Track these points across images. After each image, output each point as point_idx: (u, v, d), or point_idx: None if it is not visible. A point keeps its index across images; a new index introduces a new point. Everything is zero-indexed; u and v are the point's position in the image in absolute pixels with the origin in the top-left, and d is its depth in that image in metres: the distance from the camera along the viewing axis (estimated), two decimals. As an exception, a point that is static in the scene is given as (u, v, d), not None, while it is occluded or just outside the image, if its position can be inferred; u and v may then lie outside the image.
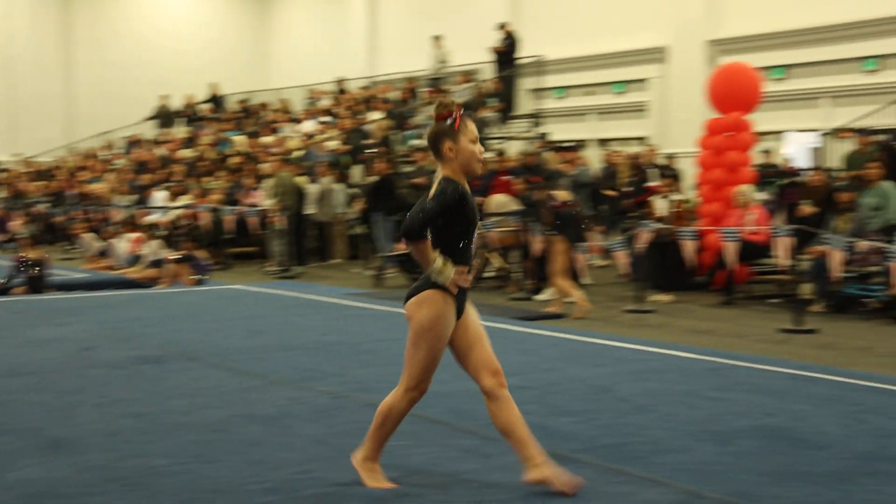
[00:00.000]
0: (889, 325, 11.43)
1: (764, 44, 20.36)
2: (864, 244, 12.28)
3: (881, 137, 15.14)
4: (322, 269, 18.26)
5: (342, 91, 26.70)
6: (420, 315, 4.74)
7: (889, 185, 13.05)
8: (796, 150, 19.71)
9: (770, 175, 16.65)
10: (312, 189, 18.90)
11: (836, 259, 11.73)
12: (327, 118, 24.51)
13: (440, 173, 4.81)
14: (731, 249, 12.98)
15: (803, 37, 20.00)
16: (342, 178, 19.92)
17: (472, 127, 4.84)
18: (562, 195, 12.67)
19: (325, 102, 26.26)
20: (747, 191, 14.19)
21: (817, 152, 17.94)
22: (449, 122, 4.80)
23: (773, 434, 6.01)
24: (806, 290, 12.54)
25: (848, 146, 15.69)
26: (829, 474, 5.15)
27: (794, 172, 16.72)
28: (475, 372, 4.89)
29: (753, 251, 13.42)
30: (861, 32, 19.19)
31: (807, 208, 13.42)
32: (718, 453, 5.60)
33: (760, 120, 16.19)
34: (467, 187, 4.76)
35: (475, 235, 4.83)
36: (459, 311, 4.83)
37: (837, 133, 17.27)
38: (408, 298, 4.84)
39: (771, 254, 12.94)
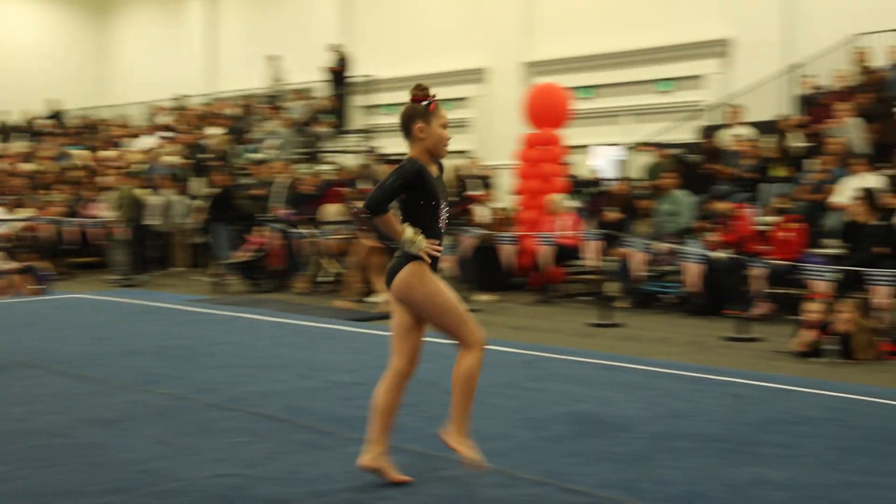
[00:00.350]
0: (683, 317, 11.89)
1: (573, 66, 20.94)
2: (661, 246, 12.76)
3: (675, 151, 15.76)
4: (164, 278, 17.79)
5: (182, 107, 26.17)
6: (417, 291, 4.71)
7: (682, 194, 13.60)
8: (602, 162, 20.26)
9: (580, 184, 17.10)
10: (154, 201, 18.45)
11: (637, 260, 12.15)
12: (167, 133, 23.99)
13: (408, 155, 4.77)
14: (545, 252, 13.28)
15: (607, 60, 20.64)
16: (183, 190, 19.52)
17: (444, 113, 4.84)
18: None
19: (165, 118, 25.69)
20: (559, 199, 14.55)
21: (621, 164, 18.51)
22: (424, 104, 4.80)
23: (582, 419, 6.19)
24: (612, 288, 12.91)
25: (647, 158, 16.25)
26: (631, 453, 5.34)
27: (601, 182, 17.22)
28: (400, 351, 4.93)
29: (566, 254, 13.77)
30: (656, 57, 19.95)
31: (612, 214, 13.84)
32: (534, 438, 5.74)
33: (571, 135, 16.67)
34: (432, 168, 4.75)
35: (442, 213, 4.77)
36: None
37: (637, 147, 17.86)
38: (390, 280, 4.76)
39: (581, 256, 13.29)
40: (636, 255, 12.11)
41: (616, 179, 15.67)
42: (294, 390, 7.12)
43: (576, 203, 15.87)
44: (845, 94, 14.63)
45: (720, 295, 11.93)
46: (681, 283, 12.25)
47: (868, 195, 11.16)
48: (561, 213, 14.28)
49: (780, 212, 12.22)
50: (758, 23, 18.54)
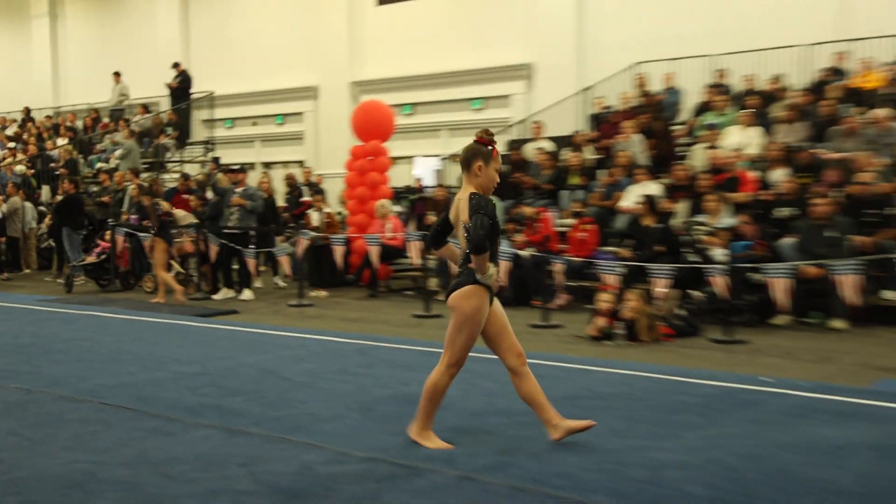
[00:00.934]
0: (496, 308, 12.11)
1: (396, 85, 21.08)
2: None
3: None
4: (15, 280, 16.89)
5: (29, 119, 24.91)
6: (465, 306, 4.86)
7: (494, 199, 13.86)
8: (424, 172, 20.46)
9: (403, 191, 17.21)
10: (3, 208, 17.50)
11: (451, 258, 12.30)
12: (15, 144, 22.80)
13: (465, 189, 4.85)
14: (374, 252, 13.29)
15: (426, 81, 20.86)
16: (32, 197, 18.62)
17: (499, 158, 4.94)
18: (165, 206, 13.58)
19: (14, 129, 24.42)
20: (386, 204, 14.61)
21: (439, 173, 18.75)
22: (488, 148, 4.87)
23: (407, 400, 6.22)
24: (433, 283, 13.06)
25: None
26: (450, 429, 5.42)
27: (422, 189, 17.38)
28: (503, 353, 5.03)
29: (392, 253, 13.83)
30: (469, 79, 20.31)
31: (432, 218, 14.00)
32: (364, 419, 5.75)
33: (395, 147, 16.77)
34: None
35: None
36: (491, 301, 4.93)
37: (454, 158, 18.12)
38: (450, 292, 4.92)
39: (406, 255, 13.38)
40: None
41: (435, 187, 15.84)
42: (142, 382, 6.90)
43: (400, 208, 15.97)
44: (629, 113, 15.27)
45: (527, 288, 12.23)
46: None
47: (649, 201, 11.67)
48: (387, 217, 14.34)
49: (576, 215, 12.63)
50: (556, 50, 19.12)
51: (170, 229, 13.44)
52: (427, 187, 17.64)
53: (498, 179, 4.99)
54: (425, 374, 7.06)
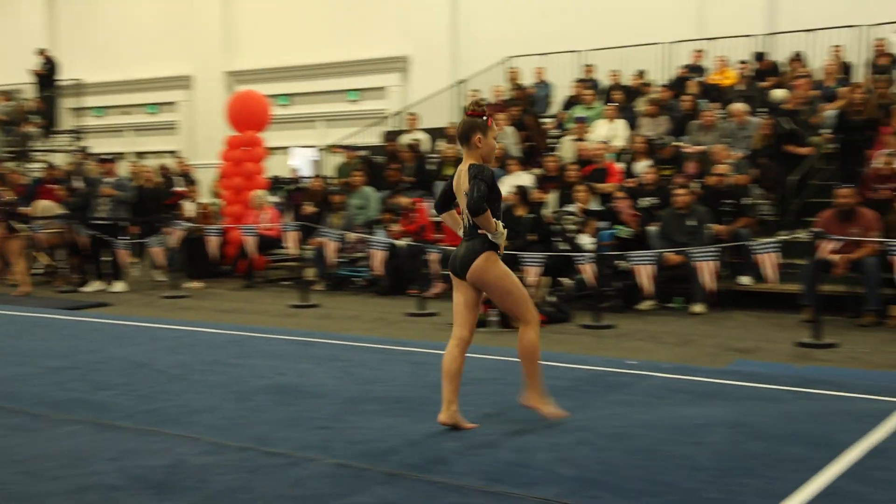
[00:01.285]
0: (372, 298, 12.10)
1: (272, 76, 20.75)
2: (352, 236, 12.91)
3: (362, 152, 15.99)
4: None
5: None
6: (490, 273, 4.98)
7: (370, 190, 13.83)
8: (300, 162, 20.24)
9: (280, 182, 16.97)
10: None
11: (331, 248, 12.22)
12: None
13: (466, 161, 4.94)
14: (250, 242, 13.05)
15: (302, 72, 20.62)
16: None
17: (496, 127, 5.02)
18: (7, 194, 13.14)
19: None
20: (262, 195, 14.37)
21: (316, 164, 18.57)
22: (483, 119, 4.94)
23: (283, 390, 6.15)
24: (310, 273, 12.92)
25: (338, 159, 16.39)
26: (326, 417, 5.37)
27: (299, 180, 17.17)
28: (461, 323, 5.14)
29: (268, 243, 13.61)
30: (345, 70, 20.18)
31: (309, 208, 13.83)
32: (239, 409, 5.64)
33: (271, 138, 16.49)
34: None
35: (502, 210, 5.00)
36: None
37: (330, 148, 17.97)
38: (465, 267, 5.00)
39: (282, 245, 13.19)
40: (330, 244, 12.18)
41: (312, 177, 15.66)
42: (6, 377, 6.59)
43: (276, 198, 15.74)
44: (502, 106, 15.42)
45: (403, 277, 12.24)
46: (369, 267, 12.45)
47: (521, 191, 11.82)
48: (263, 208, 14.11)
49: (451, 205, 12.68)
50: (430, 43, 19.19)
51: (15, 219, 12.87)
52: (304, 178, 17.43)
53: (497, 147, 5.08)
54: (302, 364, 7.03)
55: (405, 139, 15.66)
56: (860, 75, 14.44)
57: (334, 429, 5.10)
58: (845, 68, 14.35)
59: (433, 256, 11.23)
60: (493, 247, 5.02)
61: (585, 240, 10.72)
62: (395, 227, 12.69)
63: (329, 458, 4.55)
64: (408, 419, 5.27)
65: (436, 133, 16.14)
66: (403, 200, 13.16)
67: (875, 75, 12.70)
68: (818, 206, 10.53)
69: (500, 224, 4.99)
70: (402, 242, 12.17)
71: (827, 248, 9.17)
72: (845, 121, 11.74)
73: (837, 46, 14.52)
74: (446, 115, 17.46)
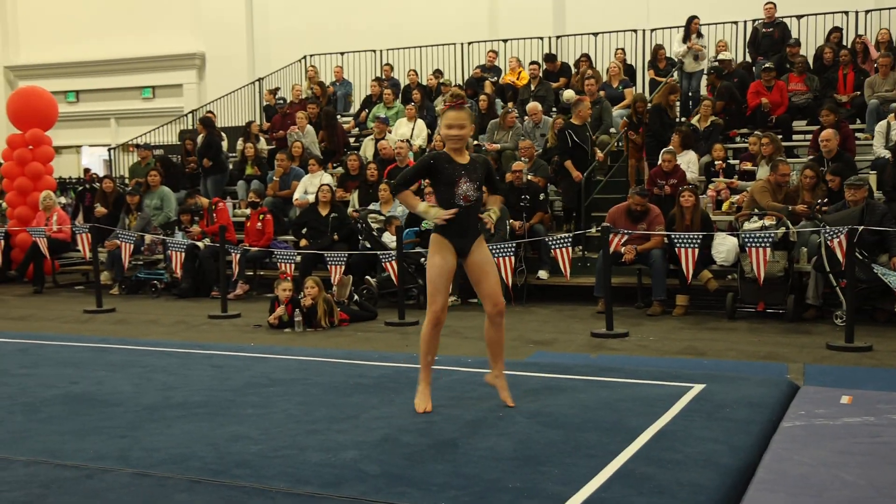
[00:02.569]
0: (173, 301, 11.70)
1: (58, 71, 19.67)
2: (149, 237, 12.43)
3: (158, 151, 15.43)
4: None
5: None
6: (428, 255, 5.19)
7: (167, 189, 13.35)
8: (91, 162, 19.31)
9: (70, 182, 16.11)
10: None
11: (127, 250, 11.72)
12: None
13: None
14: (39, 246, 12.32)
15: (91, 67, 19.68)
16: None
17: (450, 115, 5.10)
18: None
19: None
20: (51, 196, 13.57)
21: (109, 163, 17.74)
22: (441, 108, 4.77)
23: (76, 399, 5.82)
24: (105, 276, 12.35)
25: (133, 158, 15.75)
26: (123, 425, 5.11)
27: (91, 180, 16.35)
28: (482, 299, 5.27)
29: (59, 246, 12.92)
30: (138, 67, 19.41)
31: (102, 209, 13.20)
32: (28, 421, 5.28)
33: (60, 136, 15.61)
34: (459, 158, 5.09)
35: (458, 191, 5.05)
36: (463, 251, 5.15)
37: (125, 147, 17.23)
38: None
39: (75, 248, 12.54)
40: (126, 246, 11.67)
41: (105, 177, 14.94)
42: None
43: (66, 199, 14.95)
44: (301, 105, 15.28)
45: (205, 278, 11.92)
46: (168, 270, 12.03)
47: (328, 190, 11.73)
48: (52, 209, 13.33)
49: (252, 205, 12.45)
50: (226, 40, 18.79)
51: None
52: (96, 178, 16.61)
53: (448, 133, 5.13)
54: (97, 372, 6.67)
55: (201, 139, 15.22)
56: (642, 77, 15.29)
57: (132, 437, 4.86)
58: (629, 70, 15.13)
59: (235, 257, 10.99)
60: (439, 229, 5.15)
61: (389, 238, 10.78)
62: (195, 228, 12.32)
63: (127, 467, 4.33)
64: (210, 424, 5.10)
65: (235, 132, 15.80)
66: (203, 200, 12.78)
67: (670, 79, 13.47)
68: (609, 202, 11.05)
69: (423, 204, 5.26)
70: (202, 243, 11.85)
71: (619, 242, 9.64)
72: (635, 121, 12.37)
73: (620, 49, 15.30)
74: (245, 114, 17.14)
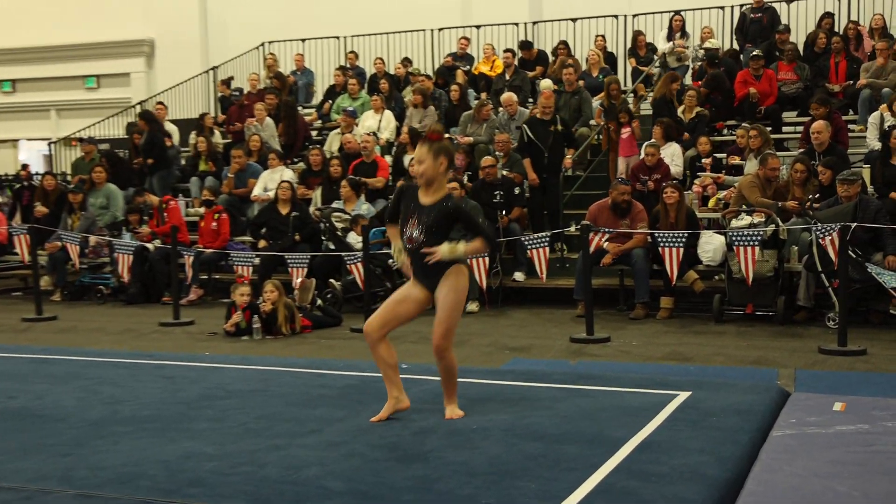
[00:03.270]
0: (120, 307, 11.62)
1: (-11, 58, 19.44)
2: (94, 238, 12.33)
3: (104, 146, 15.30)
4: None
5: None
6: None
7: (113, 187, 13.25)
8: (30, 157, 19.13)
9: (5, 179, 15.94)
10: None
11: (70, 253, 11.62)
12: None
13: None
14: (-30, 250, 12.20)
15: (29, 55, 19.47)
16: None
17: (416, 151, 5.25)
18: None
19: None
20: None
21: (49, 159, 17.57)
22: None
23: (14, 415, 5.76)
24: (45, 281, 12.24)
25: (76, 153, 15.62)
26: (66, 443, 5.08)
27: (30, 177, 16.18)
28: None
29: (-5, 250, 12.81)
30: (81, 54, 19.23)
31: (41, 209, 13.06)
32: (-39, 441, 5.22)
33: (-7, 129, 15.45)
34: (419, 196, 5.27)
35: (407, 230, 5.26)
36: (431, 288, 5.35)
37: (66, 141, 17.08)
38: None
39: (12, 251, 12.42)
40: (69, 248, 11.56)
41: (44, 174, 14.80)
42: None
43: (2, 198, 14.79)
44: (259, 95, 15.22)
45: (156, 283, 11.84)
46: (115, 274, 11.94)
47: (288, 187, 11.69)
48: (-14, 209, 13.19)
49: (207, 203, 12.39)
50: (178, 26, 18.68)
51: None
52: (35, 174, 16.45)
53: (413, 170, 5.32)
54: (37, 385, 6.61)
55: (146, 135, 15.13)
56: (623, 65, 15.39)
57: (76, 455, 4.83)
58: (610, 58, 15.22)
59: (188, 259, 10.93)
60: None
61: (354, 238, 10.76)
62: (144, 229, 12.24)
63: (70, 489, 4.30)
64: (160, 440, 5.08)
65: (187, 124, 15.71)
66: (152, 199, 12.70)
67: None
68: (590, 199, 11.09)
69: (397, 247, 5.50)
70: (152, 245, 11.78)
71: (600, 240, 9.69)
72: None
73: (600, 36, 15.39)
74: (198, 106, 17.05)
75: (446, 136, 12.56)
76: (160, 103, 15.93)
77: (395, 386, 5.47)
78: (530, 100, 14.17)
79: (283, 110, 14.56)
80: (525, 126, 11.64)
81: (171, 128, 15.14)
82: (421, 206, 5.27)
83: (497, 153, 11.90)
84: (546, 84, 13.40)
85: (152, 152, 13.98)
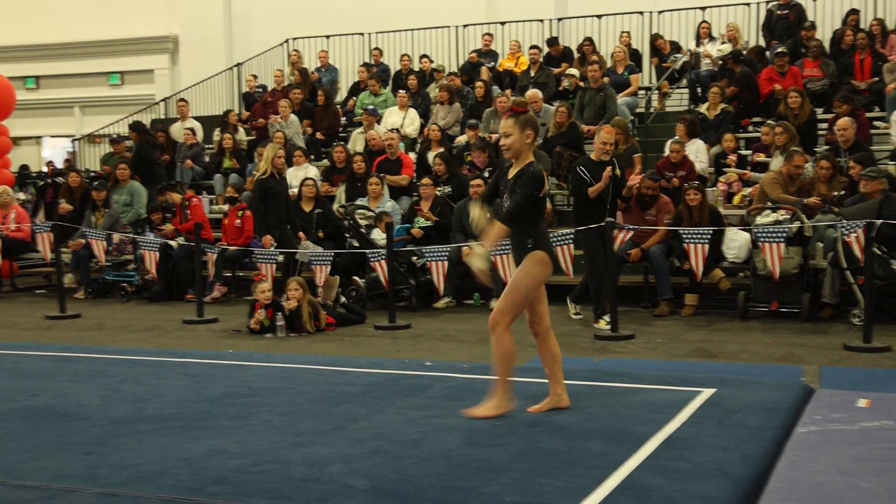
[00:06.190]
0: (145, 304, 11.68)
1: (15, 55, 19.55)
2: (118, 236, 12.41)
3: (129, 142, 15.38)
4: None
5: None
6: None
7: (137, 184, 13.33)
8: (54, 154, 19.27)
9: (29, 176, 16.08)
10: None
11: (95, 250, 11.70)
12: None
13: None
14: (-5, 246, 12.32)
15: (53, 51, 19.60)
16: None
17: (503, 124, 5.35)
18: None
19: None
20: (8, 191, 13.52)
21: (73, 155, 17.70)
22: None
23: (37, 413, 5.80)
24: (69, 279, 12.33)
25: (101, 150, 15.72)
26: (89, 441, 5.11)
27: (53, 174, 16.31)
28: None
29: (18, 247, 12.89)
30: (105, 50, 19.35)
31: (65, 206, 13.16)
32: (-15, 438, 5.27)
33: (18, 126, 15.59)
34: (508, 170, 5.42)
35: (505, 202, 5.40)
36: (518, 262, 5.44)
37: (91, 138, 17.20)
38: None
39: (35, 249, 12.52)
40: (94, 246, 11.65)
41: (69, 170, 14.92)
42: None
43: (25, 195, 14.91)
44: (284, 92, 15.26)
45: (179, 280, 11.90)
46: (141, 271, 12.02)
47: (312, 184, 11.72)
48: (10, 206, 13.27)
49: (230, 201, 12.43)
50: (202, 23, 18.74)
51: None
52: (59, 171, 16.58)
53: (501, 143, 5.43)
54: (60, 383, 6.67)
55: (178, 128, 15.21)
56: (648, 62, 15.32)
57: (99, 454, 4.86)
58: (634, 55, 15.16)
59: (211, 257, 10.98)
60: None
61: (378, 235, 10.78)
62: (168, 226, 12.31)
63: (94, 487, 4.33)
64: (184, 438, 5.11)
65: (211, 121, 15.77)
66: (175, 196, 12.77)
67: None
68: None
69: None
70: (175, 243, 11.84)
71: (624, 237, 9.65)
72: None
73: (625, 33, 15.33)
74: (222, 103, 17.11)
75: (477, 133, 12.56)
76: (182, 100, 16.00)
77: (558, 383, 5.54)
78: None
79: (308, 107, 14.63)
80: (581, 168, 9.35)
81: (195, 125, 15.20)
82: (507, 180, 5.41)
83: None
84: (533, 94, 13.03)
85: (139, 167, 13.87)
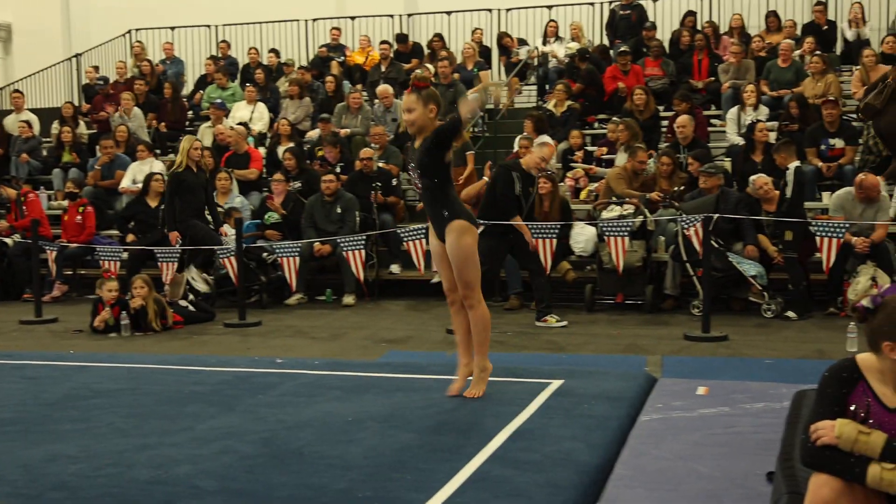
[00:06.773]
0: None
1: None
2: (-51, 234, 11.79)
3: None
4: None
5: None
6: None
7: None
8: None
9: None
10: None
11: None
12: None
13: None
14: None
15: None
16: None
17: (405, 100, 5.38)
18: None
19: None
20: None
21: None
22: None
23: None
24: None
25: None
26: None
27: None
28: None
29: None
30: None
31: None
32: None
33: None
34: (415, 141, 5.44)
35: (414, 178, 5.50)
36: (440, 236, 5.49)
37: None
38: None
39: None
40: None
41: None
42: None
43: None
44: (126, 84, 14.81)
45: (15, 279, 11.42)
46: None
47: (161, 179, 11.38)
48: None
49: (71, 196, 11.97)
50: (39, 10, 18.03)
51: None
52: None
53: (403, 119, 5.60)
54: None
55: (13, 121, 14.54)
56: (498, 59, 15.56)
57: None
58: (484, 52, 15.37)
59: (51, 255, 10.56)
60: None
61: (227, 231, 10.58)
62: (2, 223, 11.78)
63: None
64: (22, 443, 4.89)
65: (48, 114, 15.15)
66: (10, 191, 12.22)
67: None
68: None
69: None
70: (10, 240, 11.36)
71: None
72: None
73: (478, 29, 15.52)
74: (60, 94, 16.47)
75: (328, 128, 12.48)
76: (17, 91, 15.31)
77: (465, 353, 5.66)
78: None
79: (151, 100, 14.24)
80: (516, 174, 8.96)
81: (32, 117, 14.55)
82: (414, 151, 5.43)
83: (373, 145, 11.88)
84: (384, 89, 13.03)
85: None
